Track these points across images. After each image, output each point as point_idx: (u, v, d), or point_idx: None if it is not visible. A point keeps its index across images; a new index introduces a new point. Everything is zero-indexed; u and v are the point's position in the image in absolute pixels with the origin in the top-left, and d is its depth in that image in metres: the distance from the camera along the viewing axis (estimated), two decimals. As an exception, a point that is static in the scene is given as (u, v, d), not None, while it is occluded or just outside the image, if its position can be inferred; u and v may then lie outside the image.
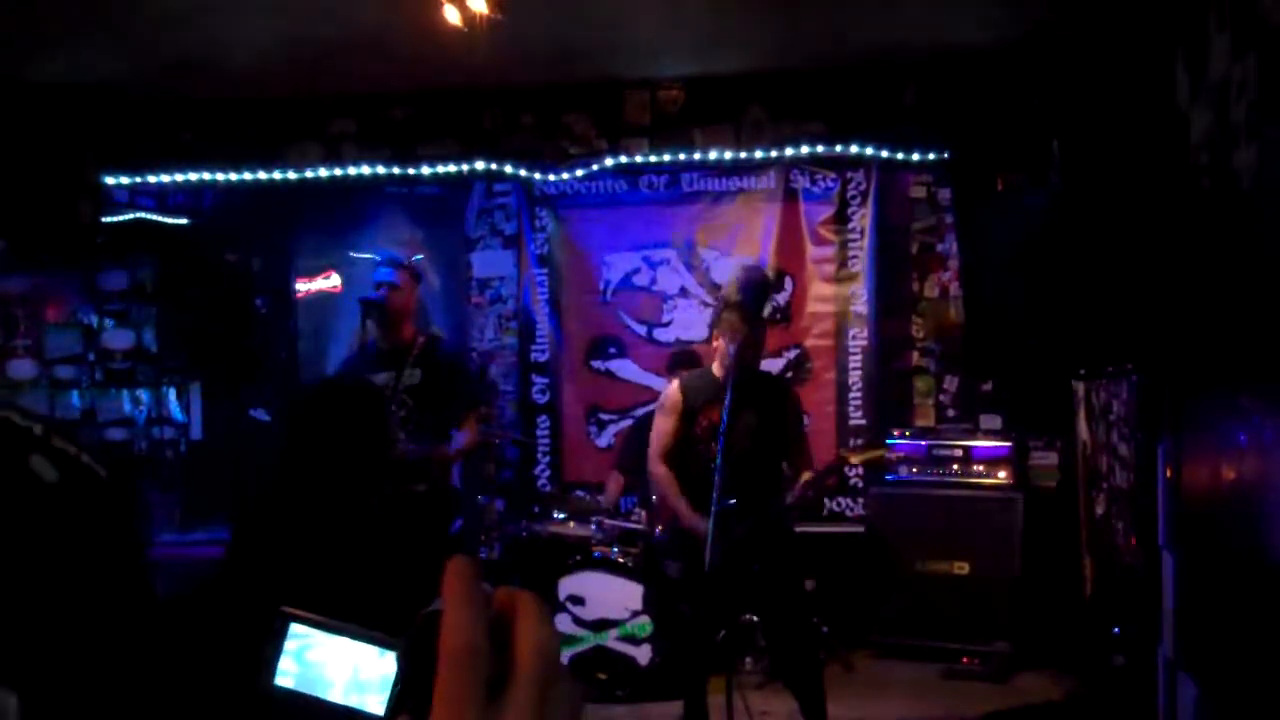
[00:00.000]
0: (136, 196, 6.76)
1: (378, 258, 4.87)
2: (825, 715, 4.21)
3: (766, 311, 6.41)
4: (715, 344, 4.31)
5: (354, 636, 0.61)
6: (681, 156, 6.31)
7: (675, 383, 4.44)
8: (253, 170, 6.56)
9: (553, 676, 0.56)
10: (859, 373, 6.41)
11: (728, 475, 3.98)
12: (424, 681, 0.55)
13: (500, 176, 6.59)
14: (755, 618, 5.35)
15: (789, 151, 6.21)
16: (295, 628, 0.62)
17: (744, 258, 6.48)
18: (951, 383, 6.39)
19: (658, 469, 4.33)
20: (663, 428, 4.35)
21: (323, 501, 2.49)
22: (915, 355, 6.45)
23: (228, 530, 2.95)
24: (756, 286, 4.62)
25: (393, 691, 0.59)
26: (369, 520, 2.58)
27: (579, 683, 0.59)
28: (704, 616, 4.24)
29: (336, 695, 0.60)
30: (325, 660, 0.61)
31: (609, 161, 6.37)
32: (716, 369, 4.27)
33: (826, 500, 6.39)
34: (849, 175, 6.39)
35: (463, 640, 0.55)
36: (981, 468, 5.86)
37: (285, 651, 0.61)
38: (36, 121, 5.88)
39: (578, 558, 5.27)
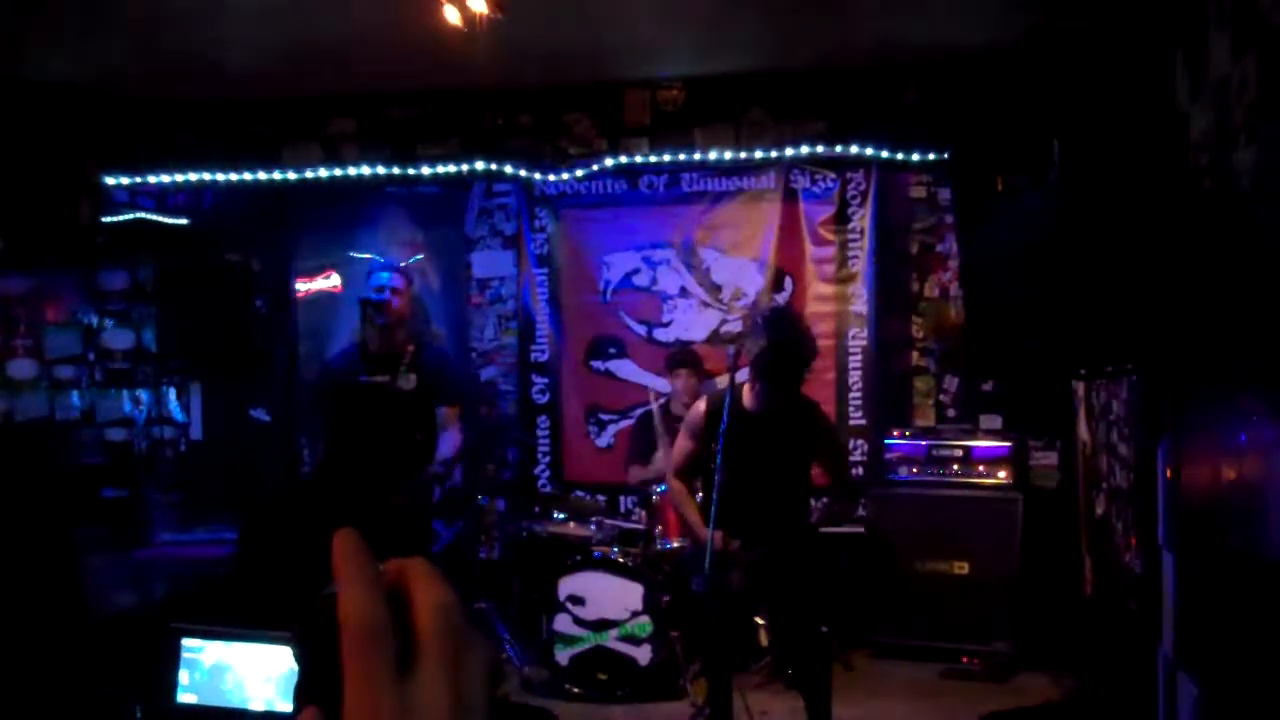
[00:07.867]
0: (136, 196, 6.76)
1: (377, 260, 4.95)
2: (830, 717, 4.21)
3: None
4: (742, 369, 4.14)
5: (252, 639, 0.59)
6: (681, 156, 6.31)
7: (702, 404, 4.32)
8: (252, 170, 6.56)
9: (457, 640, 0.55)
10: (859, 373, 6.40)
11: (748, 501, 4.05)
12: (326, 667, 0.52)
13: (500, 176, 6.59)
14: (761, 620, 5.36)
15: (789, 151, 6.20)
16: (188, 641, 0.60)
17: (744, 258, 6.48)
18: (951, 383, 6.38)
19: (673, 482, 4.40)
20: (682, 446, 4.36)
21: (353, 505, 2.51)
22: (915, 355, 6.45)
23: (233, 529, 2.96)
24: (786, 357, 4.05)
25: (295, 683, 0.56)
26: (397, 525, 2.61)
27: (484, 640, 0.57)
28: (728, 630, 4.25)
29: (245, 700, 0.58)
30: (231, 667, 0.59)
31: (609, 161, 6.37)
32: (746, 398, 4.14)
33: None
34: (849, 175, 6.38)
35: (364, 618, 0.52)
36: (981, 468, 5.85)
37: (184, 666, 0.59)
38: (36, 121, 5.88)
39: (578, 558, 5.27)
